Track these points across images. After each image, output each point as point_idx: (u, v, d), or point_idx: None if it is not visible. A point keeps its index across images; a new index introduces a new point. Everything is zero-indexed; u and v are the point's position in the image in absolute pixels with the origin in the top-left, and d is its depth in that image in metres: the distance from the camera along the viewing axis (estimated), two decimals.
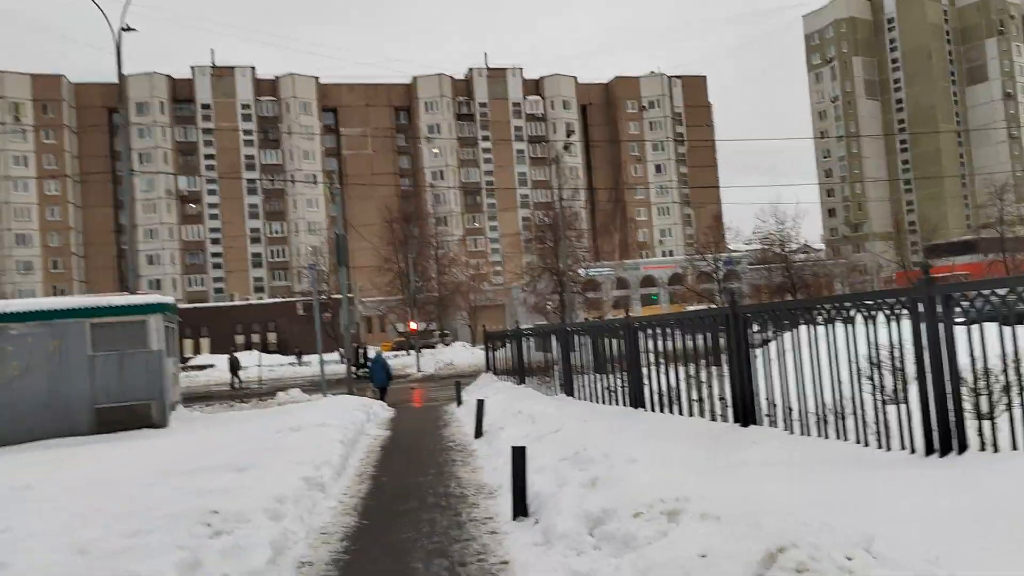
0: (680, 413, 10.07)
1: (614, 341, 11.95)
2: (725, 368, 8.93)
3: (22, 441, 13.73)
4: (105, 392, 14.39)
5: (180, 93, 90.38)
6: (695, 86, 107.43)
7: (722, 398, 9.01)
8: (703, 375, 9.54)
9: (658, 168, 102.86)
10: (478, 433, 11.68)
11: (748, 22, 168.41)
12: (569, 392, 13.67)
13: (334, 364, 34.66)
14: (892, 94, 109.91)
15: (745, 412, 8.61)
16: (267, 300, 78.25)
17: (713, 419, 9.13)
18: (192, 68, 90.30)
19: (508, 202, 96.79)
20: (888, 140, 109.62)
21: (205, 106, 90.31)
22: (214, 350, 62.58)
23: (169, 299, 16.30)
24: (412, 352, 42.61)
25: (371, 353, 35.97)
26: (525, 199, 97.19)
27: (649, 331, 11.00)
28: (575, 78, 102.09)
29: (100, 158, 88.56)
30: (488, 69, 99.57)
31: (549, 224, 46.93)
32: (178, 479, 8.02)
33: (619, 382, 11.72)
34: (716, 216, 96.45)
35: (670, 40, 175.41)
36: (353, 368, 34.61)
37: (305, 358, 48.29)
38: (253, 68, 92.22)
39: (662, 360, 10.66)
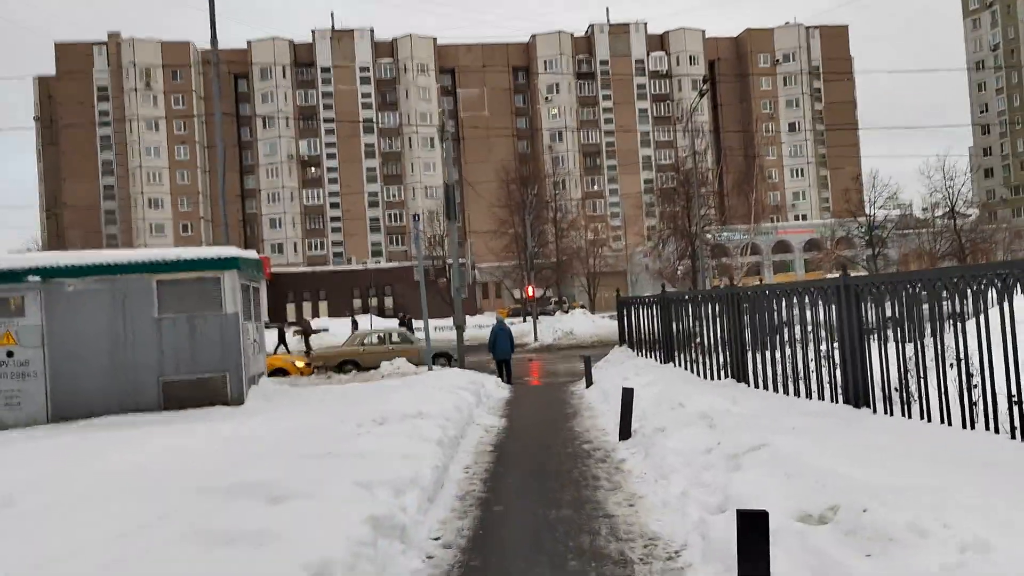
0: (926, 417, 6.74)
1: (814, 310, 8.59)
2: None
3: (83, 416, 11.74)
4: (173, 362, 12.19)
5: (301, 57, 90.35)
6: (835, 36, 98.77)
7: None
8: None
9: (792, 126, 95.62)
10: (624, 433, 8.63)
11: None
12: (741, 377, 10.40)
13: (447, 331, 32.28)
14: None
15: None
16: (384, 264, 77.62)
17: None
18: (312, 32, 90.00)
19: (629, 164, 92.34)
20: None
21: (325, 69, 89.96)
22: (331, 314, 62.39)
23: (250, 253, 13.94)
24: (529, 319, 39.88)
25: (484, 320, 33.61)
26: (647, 160, 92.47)
27: (873, 297, 7.60)
28: (703, 31, 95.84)
29: (227, 123, 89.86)
30: (610, 25, 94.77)
31: (681, 181, 42.84)
32: (202, 505, 5.42)
33: (819, 366, 8.39)
34: (855, 177, 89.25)
35: None
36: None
37: (418, 323, 46.43)
38: (372, 30, 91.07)
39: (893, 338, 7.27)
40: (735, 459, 5.99)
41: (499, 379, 16.39)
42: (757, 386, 9.96)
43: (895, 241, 49.43)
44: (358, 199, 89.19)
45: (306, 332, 33.94)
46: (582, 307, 48.76)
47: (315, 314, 65.37)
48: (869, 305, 7.75)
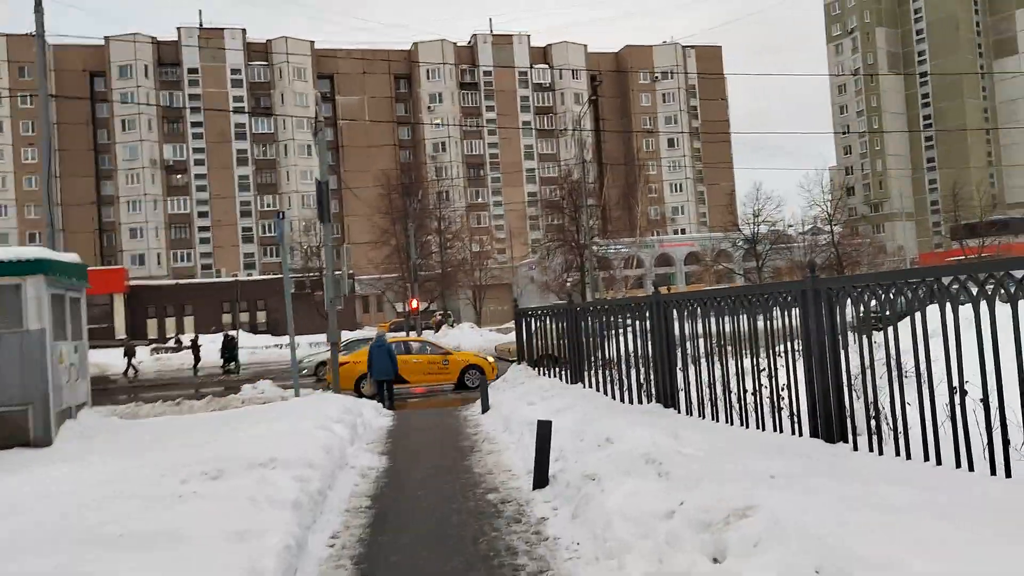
0: (933, 457, 5.26)
1: (769, 319, 7.03)
2: None
3: None
4: None
5: (166, 56, 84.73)
6: (710, 57, 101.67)
7: None
8: None
9: (671, 142, 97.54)
10: (540, 480, 6.76)
11: None
12: (670, 401, 8.74)
13: (323, 348, 29.70)
14: (916, 67, 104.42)
15: None
16: (257, 277, 73.37)
17: None
18: (178, 29, 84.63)
19: (514, 176, 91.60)
20: (911, 115, 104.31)
21: (192, 70, 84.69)
22: (199, 329, 58.04)
23: (68, 256, 11.26)
24: (413, 334, 37.68)
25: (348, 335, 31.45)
26: (531, 173, 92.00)
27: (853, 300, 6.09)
28: (585, 46, 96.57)
29: (81, 125, 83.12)
30: (493, 35, 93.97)
31: (567, 193, 41.76)
32: None
33: (776, 391, 6.82)
34: (730, 192, 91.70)
35: (683, 6, 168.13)
36: (221, 365, 29.25)
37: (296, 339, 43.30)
38: (244, 31, 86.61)
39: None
40: (717, 533, 4.22)
41: (379, 404, 14.24)
42: (690, 413, 8.32)
43: (773, 254, 50.18)
44: (229, 208, 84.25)
45: (129, 353, 30.59)
46: (471, 326, 46.93)
47: (180, 330, 60.83)
48: (845, 310, 6.23)
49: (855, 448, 5.99)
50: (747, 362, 7.36)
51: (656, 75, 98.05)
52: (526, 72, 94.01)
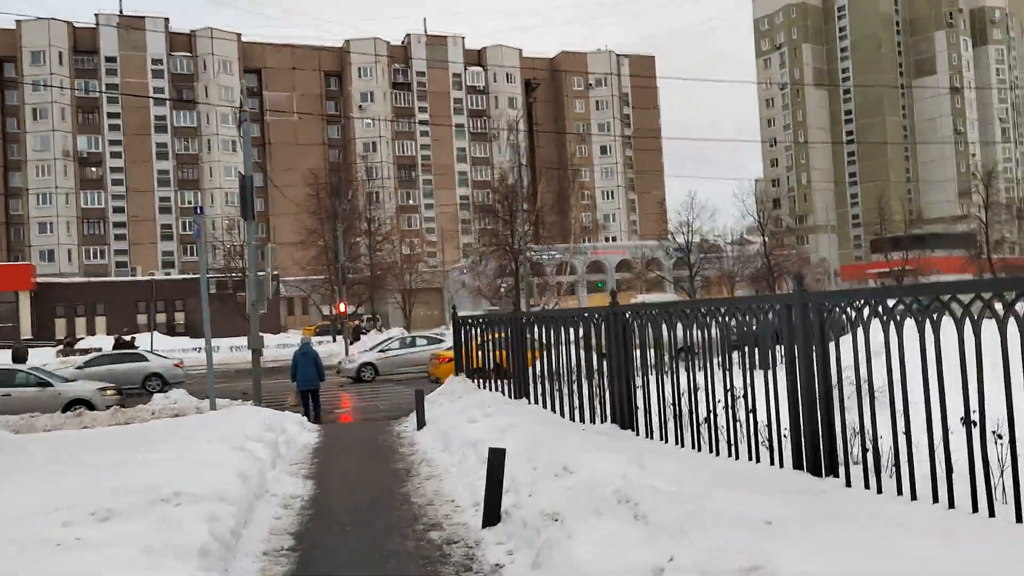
0: (946, 499, 4.65)
1: (747, 335, 6.37)
2: None
3: None
4: None
5: (82, 44, 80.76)
6: (643, 66, 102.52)
7: None
8: None
9: (603, 149, 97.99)
10: (491, 516, 5.92)
11: (696, 1, 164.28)
12: (627, 422, 8.00)
13: (244, 353, 28.19)
14: (840, 84, 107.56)
15: None
16: (176, 276, 70.49)
17: None
18: (96, 16, 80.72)
19: (446, 179, 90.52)
20: (835, 131, 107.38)
21: (110, 59, 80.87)
22: (111, 331, 55.22)
23: None
24: (339, 338, 36.30)
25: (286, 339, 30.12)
26: (464, 177, 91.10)
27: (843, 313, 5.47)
28: (520, 50, 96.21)
29: None
30: (427, 35, 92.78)
31: (502, 196, 41.01)
32: None
33: (752, 414, 6.16)
34: (660, 202, 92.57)
35: (619, 16, 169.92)
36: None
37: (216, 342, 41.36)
38: (167, 20, 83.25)
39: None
40: None
41: (303, 417, 13.16)
42: (650, 436, 7.59)
43: (705, 264, 50.44)
44: (147, 203, 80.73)
45: (19, 357, 28.50)
46: (400, 331, 45.40)
47: (91, 332, 57.84)
48: (838, 328, 5.59)
49: (848, 484, 5.34)
50: (719, 382, 6.67)
51: (590, 82, 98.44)
52: (460, 74, 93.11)
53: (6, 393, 15.94)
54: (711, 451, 6.69)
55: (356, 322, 47.39)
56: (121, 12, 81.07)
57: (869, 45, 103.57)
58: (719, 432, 6.62)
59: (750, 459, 6.23)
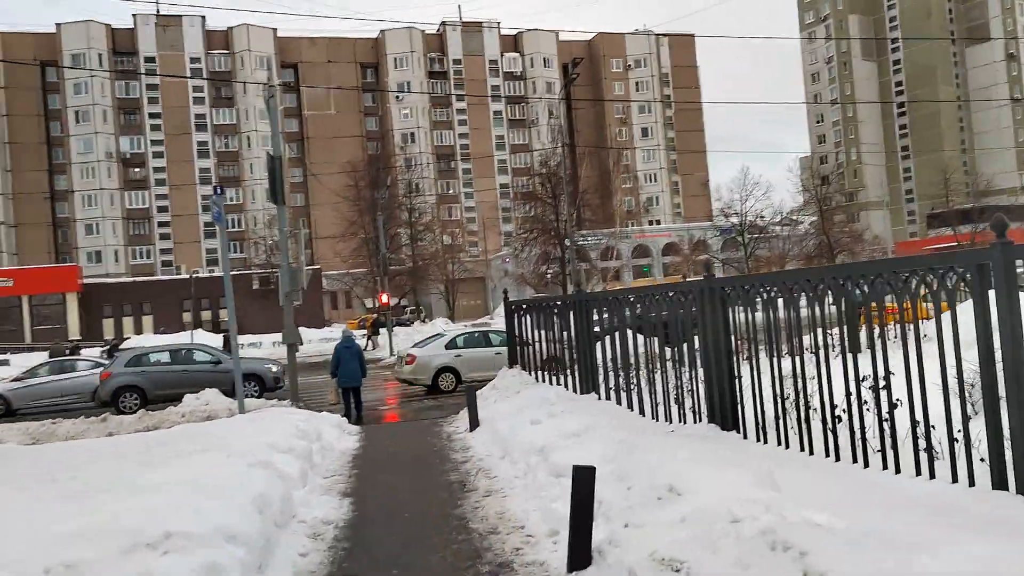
0: None
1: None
2: None
3: None
4: None
5: (121, 45, 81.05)
6: (683, 45, 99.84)
7: None
8: None
9: (644, 132, 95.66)
10: (580, 558, 4.50)
11: None
12: (730, 423, 6.51)
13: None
14: (889, 55, 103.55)
15: None
16: (219, 273, 70.19)
17: None
18: (134, 16, 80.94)
19: (485, 168, 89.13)
20: (884, 104, 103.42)
21: (149, 59, 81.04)
22: (157, 329, 55.18)
23: None
24: (383, 331, 35.19)
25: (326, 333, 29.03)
26: (503, 164, 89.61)
27: None
28: (556, 34, 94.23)
29: (32, 117, 79.27)
30: (462, 23, 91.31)
31: (544, 180, 39.47)
32: None
33: (925, 413, 4.65)
34: (704, 183, 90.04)
35: None
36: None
37: (254, 338, 40.76)
38: (203, 18, 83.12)
39: None
40: None
41: (343, 417, 11.89)
42: (764, 440, 6.10)
43: (761, 243, 48.27)
44: (190, 202, 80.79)
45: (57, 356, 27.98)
46: (445, 321, 43.97)
47: (138, 330, 57.83)
48: None
49: None
50: (860, 369, 5.16)
51: (629, 64, 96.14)
52: (496, 60, 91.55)
53: (184, 370, 17.08)
54: (854, 460, 5.18)
55: (372, 317, 42.07)
56: (158, 12, 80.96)
57: (918, 13, 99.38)
58: (866, 435, 5.10)
59: (918, 474, 4.71)
